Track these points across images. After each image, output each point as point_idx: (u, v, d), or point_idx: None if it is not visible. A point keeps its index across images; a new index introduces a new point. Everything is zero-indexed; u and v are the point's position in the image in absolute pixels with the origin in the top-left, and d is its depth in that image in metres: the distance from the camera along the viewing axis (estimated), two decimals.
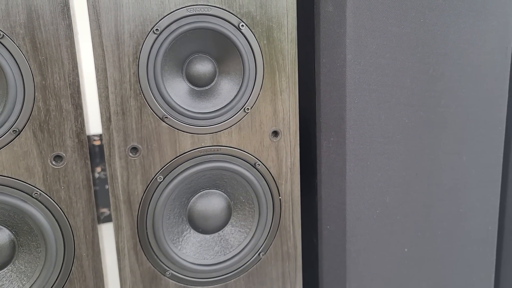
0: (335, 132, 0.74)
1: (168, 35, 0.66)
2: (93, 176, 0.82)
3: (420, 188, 0.79)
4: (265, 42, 0.71)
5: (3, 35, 0.59)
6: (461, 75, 0.76)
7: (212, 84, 0.72)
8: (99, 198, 1.31)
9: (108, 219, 1.58)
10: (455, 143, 0.79)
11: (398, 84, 0.74)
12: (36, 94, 0.62)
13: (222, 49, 0.70)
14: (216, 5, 0.68)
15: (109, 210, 0.67)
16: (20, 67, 0.61)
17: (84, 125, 0.66)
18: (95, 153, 1.54)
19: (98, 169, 1.55)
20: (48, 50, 0.62)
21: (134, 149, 0.69)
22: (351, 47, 0.70)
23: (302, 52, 0.76)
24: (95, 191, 0.71)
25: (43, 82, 0.62)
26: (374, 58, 0.72)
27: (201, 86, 0.72)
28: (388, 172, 0.77)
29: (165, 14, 0.66)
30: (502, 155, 0.82)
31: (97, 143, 1.52)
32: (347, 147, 0.74)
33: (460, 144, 0.79)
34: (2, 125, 0.61)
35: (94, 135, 1.49)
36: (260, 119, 0.74)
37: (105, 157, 0.68)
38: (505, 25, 0.76)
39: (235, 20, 0.69)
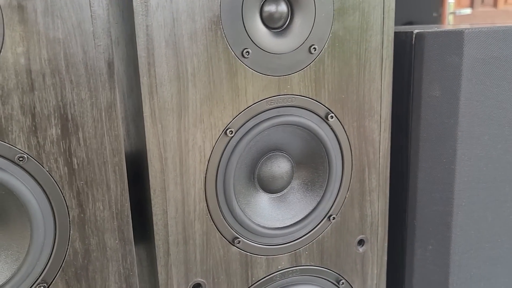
0: (436, 239, 0.60)
1: (243, 136, 0.50)
2: None
3: None
4: (355, 133, 0.56)
5: (27, 158, 0.41)
6: None
7: (289, 188, 0.56)
8: None
9: None
10: None
11: (508, 177, 0.61)
12: (71, 232, 0.44)
13: (302, 144, 0.55)
14: (302, 94, 0.52)
15: None
16: (50, 199, 0.43)
17: (134, 265, 0.48)
18: None
19: None
20: (89, 172, 0.44)
21: (197, 286, 0.52)
22: (462, 140, 0.57)
23: (394, 143, 0.61)
24: None
25: (81, 215, 0.44)
26: (485, 150, 0.58)
27: (275, 192, 0.56)
28: (490, 281, 0.64)
29: (241, 110, 0.49)
30: None
31: None
32: (451, 258, 0.60)
33: None
34: (24, 280, 0.43)
35: None
36: (347, 226, 0.59)
37: None
38: None
39: (322, 111, 0.54)
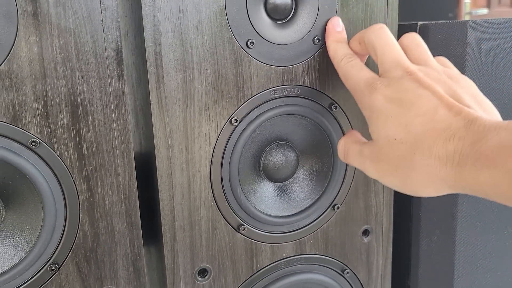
0: (441, 230, 0.61)
1: (247, 125, 0.51)
2: None
3: None
4: (359, 124, 0.57)
5: (39, 142, 0.43)
6: None
7: (293, 177, 0.57)
8: None
9: None
10: None
11: None
12: (81, 215, 0.46)
13: (306, 134, 0.56)
14: (306, 85, 0.53)
15: None
16: (61, 183, 0.45)
17: (141, 249, 0.50)
18: None
19: None
20: (99, 158, 0.46)
21: (203, 271, 0.53)
22: None
23: None
24: None
25: (91, 199, 0.46)
26: None
27: (280, 181, 0.57)
28: (497, 273, 0.64)
29: (246, 100, 0.51)
30: None
31: None
32: (456, 249, 0.61)
33: None
34: (36, 260, 0.45)
35: None
36: (351, 216, 0.60)
37: (167, 285, 0.52)
38: None
39: (326, 101, 0.55)
